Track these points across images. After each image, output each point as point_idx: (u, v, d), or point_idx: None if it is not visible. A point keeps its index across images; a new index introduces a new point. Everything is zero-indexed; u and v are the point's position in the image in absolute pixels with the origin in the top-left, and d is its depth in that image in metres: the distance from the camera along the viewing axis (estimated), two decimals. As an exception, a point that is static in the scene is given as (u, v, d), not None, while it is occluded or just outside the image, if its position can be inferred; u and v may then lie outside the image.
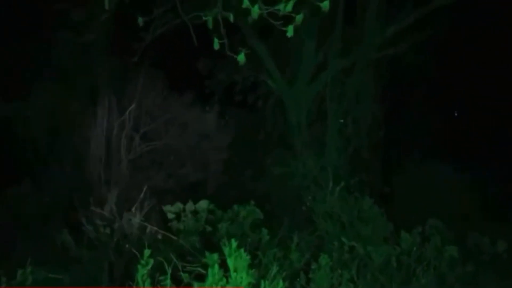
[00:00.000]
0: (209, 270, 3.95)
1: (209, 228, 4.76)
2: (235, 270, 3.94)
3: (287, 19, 3.49)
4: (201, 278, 3.95)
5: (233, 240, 4.08)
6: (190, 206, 4.90)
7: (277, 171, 6.28)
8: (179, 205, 4.88)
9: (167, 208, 4.80)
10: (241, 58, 3.52)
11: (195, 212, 4.88)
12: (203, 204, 4.89)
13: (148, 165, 6.28)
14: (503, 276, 4.36)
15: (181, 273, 4.00)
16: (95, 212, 4.11)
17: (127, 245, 3.99)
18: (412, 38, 7.10)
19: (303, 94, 7.00)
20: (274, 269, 3.95)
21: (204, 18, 3.57)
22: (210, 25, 3.51)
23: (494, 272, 4.35)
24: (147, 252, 3.86)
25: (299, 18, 3.42)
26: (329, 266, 4.10)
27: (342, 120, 7.18)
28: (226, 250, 4.08)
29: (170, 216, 4.69)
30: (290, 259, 4.44)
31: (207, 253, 4.07)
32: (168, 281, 3.89)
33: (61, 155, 5.73)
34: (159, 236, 4.45)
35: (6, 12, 6.20)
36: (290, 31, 3.46)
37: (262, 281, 3.81)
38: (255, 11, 3.33)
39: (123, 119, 5.99)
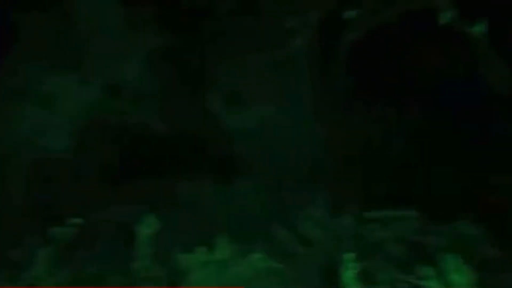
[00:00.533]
0: (425, 282, 3.55)
1: (421, 239, 4.31)
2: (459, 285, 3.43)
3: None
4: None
5: (457, 256, 3.59)
6: (396, 212, 4.60)
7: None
8: (381, 212, 4.61)
9: (369, 214, 4.57)
10: (478, 28, 2.85)
11: (401, 219, 4.55)
12: (411, 213, 4.55)
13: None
14: None
15: (396, 283, 3.60)
16: (307, 213, 4.13)
17: (338, 248, 3.84)
18: None
19: None
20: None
21: None
22: None
23: None
24: (350, 256, 3.64)
25: None
26: None
27: None
28: (444, 265, 3.62)
29: (374, 225, 4.45)
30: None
31: (423, 266, 3.65)
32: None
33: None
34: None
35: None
36: None
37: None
38: None
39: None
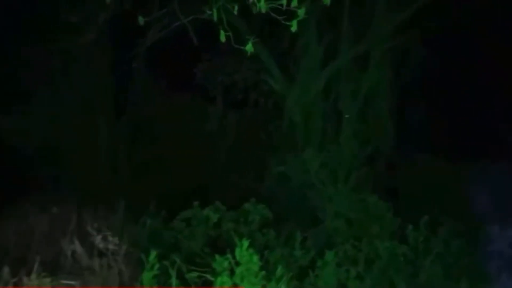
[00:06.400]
0: (218, 278, 3.88)
1: (216, 231, 4.74)
2: (243, 278, 3.87)
3: (289, 15, 3.46)
4: (209, 283, 3.91)
5: (244, 240, 4.02)
6: (199, 212, 4.87)
7: (278, 170, 6.24)
8: (190, 212, 4.86)
9: (183, 214, 4.77)
10: (249, 48, 3.46)
11: (204, 219, 4.85)
12: (211, 212, 4.84)
13: (152, 170, 6.28)
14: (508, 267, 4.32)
15: (188, 276, 3.98)
16: (103, 223, 4.15)
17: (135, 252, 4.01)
18: (421, 28, 6.86)
19: (305, 92, 6.96)
20: (280, 269, 3.93)
21: (208, 12, 3.52)
22: (216, 16, 3.45)
23: (501, 263, 4.31)
24: (153, 253, 3.86)
25: (301, 12, 3.37)
26: (335, 263, 4.07)
27: (347, 116, 7.08)
28: (237, 251, 4.02)
29: (180, 224, 4.68)
30: (295, 257, 4.41)
31: (216, 257, 4.01)
32: (174, 283, 3.88)
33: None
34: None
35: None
36: (294, 26, 3.41)
37: (269, 283, 3.79)
38: (262, 4, 3.28)
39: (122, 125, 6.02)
